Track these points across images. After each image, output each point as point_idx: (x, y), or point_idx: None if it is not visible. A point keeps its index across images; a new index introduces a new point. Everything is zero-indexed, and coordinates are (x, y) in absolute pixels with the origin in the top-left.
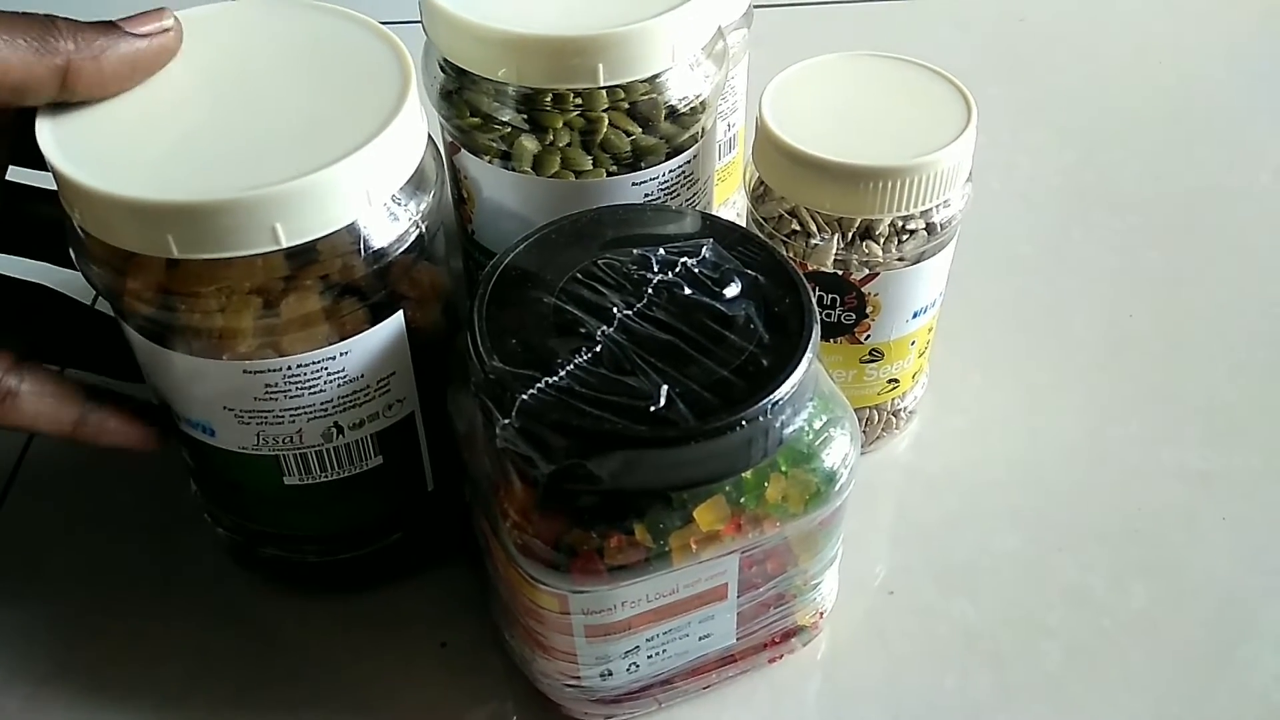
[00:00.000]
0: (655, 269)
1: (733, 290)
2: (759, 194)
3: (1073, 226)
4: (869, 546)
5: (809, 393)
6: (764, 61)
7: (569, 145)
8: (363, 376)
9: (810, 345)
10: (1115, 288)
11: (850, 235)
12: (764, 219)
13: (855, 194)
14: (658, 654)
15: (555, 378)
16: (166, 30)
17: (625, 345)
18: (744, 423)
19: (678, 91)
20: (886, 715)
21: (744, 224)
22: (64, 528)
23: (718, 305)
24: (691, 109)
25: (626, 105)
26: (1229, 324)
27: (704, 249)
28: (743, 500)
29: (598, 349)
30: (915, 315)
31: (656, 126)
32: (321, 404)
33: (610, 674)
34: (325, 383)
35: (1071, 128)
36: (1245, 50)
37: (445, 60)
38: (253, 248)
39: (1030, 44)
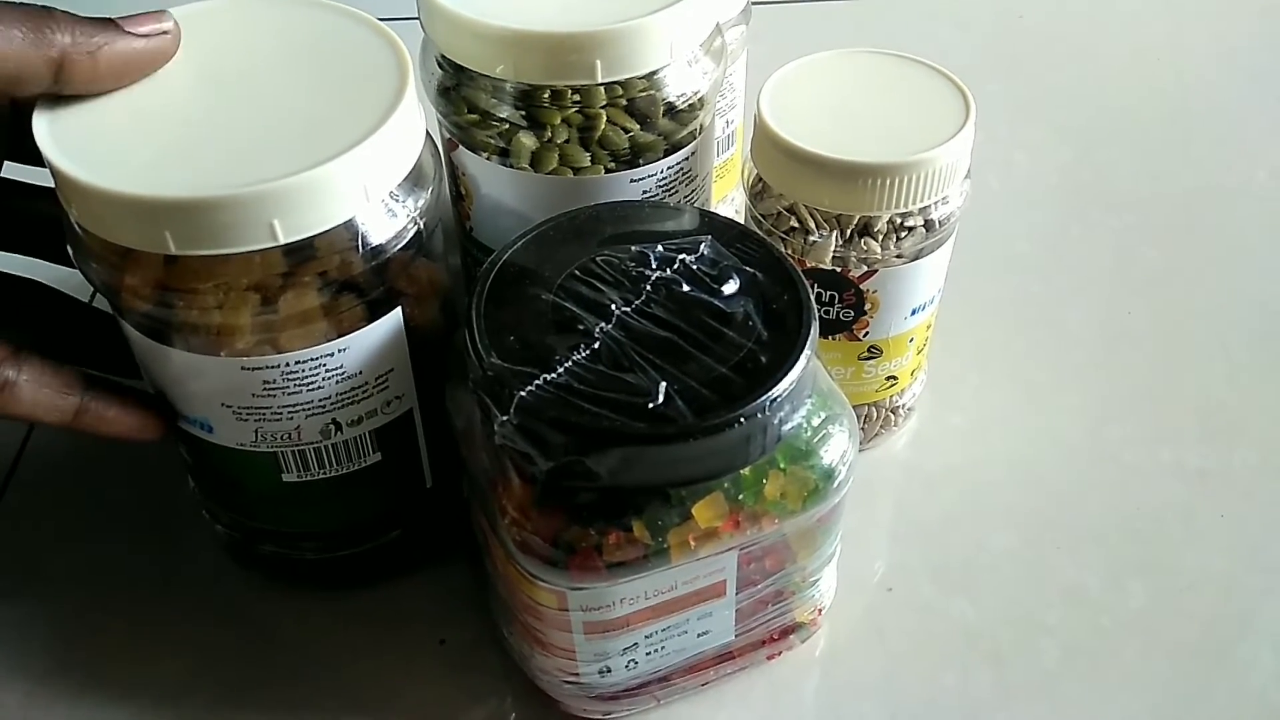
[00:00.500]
0: (653, 266)
1: (731, 287)
2: (757, 191)
3: (1071, 224)
4: (867, 543)
5: (807, 390)
6: (762, 58)
7: (567, 142)
8: (361, 373)
9: (809, 342)
10: (1113, 285)
11: (849, 232)
12: (762, 216)
13: (854, 191)
14: (656, 651)
15: (553, 374)
16: (165, 33)
17: (623, 342)
18: (742, 419)
19: (676, 88)
20: (884, 712)
21: (742, 221)
22: (62, 525)
23: (716, 302)
24: (690, 106)
25: (624, 102)
26: (1227, 322)
27: (702, 246)
28: (741, 497)
29: (596, 346)
30: (914, 312)
31: (654, 123)
32: (320, 401)
33: (609, 670)
34: (323, 379)
35: (1070, 125)
36: (1243, 49)
37: (443, 57)
38: (251, 244)
39: (1029, 41)
